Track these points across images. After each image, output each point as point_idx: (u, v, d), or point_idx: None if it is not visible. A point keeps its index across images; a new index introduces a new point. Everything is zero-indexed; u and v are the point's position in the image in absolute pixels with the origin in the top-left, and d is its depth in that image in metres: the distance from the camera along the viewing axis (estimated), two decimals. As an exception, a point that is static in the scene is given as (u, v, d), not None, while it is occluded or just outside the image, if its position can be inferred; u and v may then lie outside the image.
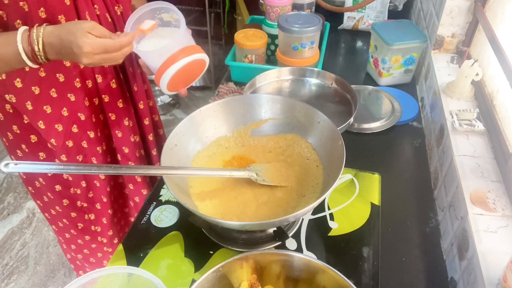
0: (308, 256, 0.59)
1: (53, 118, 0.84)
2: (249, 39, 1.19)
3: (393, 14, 1.52)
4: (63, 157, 0.89)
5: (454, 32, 1.08)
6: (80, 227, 1.04)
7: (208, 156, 0.82)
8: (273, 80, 1.08)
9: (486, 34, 0.91)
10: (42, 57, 0.67)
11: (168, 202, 0.84)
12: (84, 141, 0.91)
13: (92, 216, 1.03)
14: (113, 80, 0.89)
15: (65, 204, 0.98)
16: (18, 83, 0.78)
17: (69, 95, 0.83)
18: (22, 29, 0.67)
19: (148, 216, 0.81)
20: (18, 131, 0.85)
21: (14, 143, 0.88)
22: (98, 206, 1.02)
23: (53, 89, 0.81)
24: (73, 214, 1.01)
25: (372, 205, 0.83)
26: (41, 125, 0.84)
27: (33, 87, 0.79)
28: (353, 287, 0.53)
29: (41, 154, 0.89)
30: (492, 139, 0.83)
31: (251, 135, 0.85)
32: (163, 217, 0.81)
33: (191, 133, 0.79)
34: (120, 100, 0.93)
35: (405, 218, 0.84)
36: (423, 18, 1.29)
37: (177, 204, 0.84)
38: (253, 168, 0.76)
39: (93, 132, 0.91)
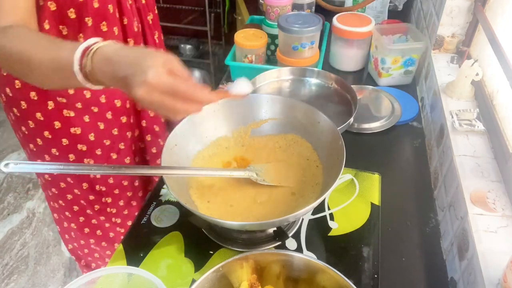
0: (308, 256, 0.59)
1: (90, 102, 0.87)
2: (249, 39, 1.19)
3: (393, 14, 1.52)
4: (91, 137, 0.91)
5: (454, 32, 1.08)
6: (96, 209, 1.06)
7: (208, 156, 0.82)
8: (273, 80, 1.08)
9: (486, 34, 0.91)
10: (88, 72, 0.56)
11: (168, 202, 0.84)
12: (116, 128, 0.93)
13: (109, 199, 1.05)
14: None
15: (85, 188, 1.00)
16: None
17: None
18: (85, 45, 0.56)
19: (148, 216, 0.81)
20: (42, 118, 0.86)
21: (36, 131, 0.88)
22: (116, 191, 1.04)
23: None
24: (91, 197, 1.03)
25: (372, 205, 0.83)
26: (78, 105, 0.86)
27: None
28: (353, 287, 0.53)
29: (64, 140, 0.89)
30: (492, 139, 0.83)
31: (251, 135, 0.85)
32: (163, 217, 0.81)
33: (191, 133, 0.79)
34: None
35: (405, 218, 0.84)
36: (423, 18, 1.29)
37: (177, 204, 0.84)
38: (253, 168, 0.76)
39: (125, 117, 0.94)
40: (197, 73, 2.85)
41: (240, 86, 0.63)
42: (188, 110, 0.55)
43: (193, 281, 0.67)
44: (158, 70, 0.51)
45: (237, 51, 1.22)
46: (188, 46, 2.84)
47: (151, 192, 0.88)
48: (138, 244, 0.76)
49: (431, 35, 1.15)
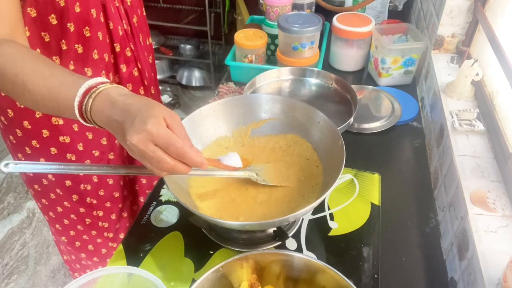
0: (308, 256, 0.59)
1: None
2: (249, 39, 1.19)
3: (393, 14, 1.52)
4: (80, 146, 0.89)
5: (454, 32, 1.08)
6: (87, 223, 1.05)
7: (208, 156, 0.81)
8: (273, 80, 1.08)
9: (486, 34, 0.91)
10: (89, 111, 0.56)
11: (168, 202, 0.84)
12: (104, 138, 0.92)
13: (101, 213, 1.03)
14: (135, 69, 0.91)
15: (75, 200, 0.98)
16: None
17: None
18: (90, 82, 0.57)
19: (148, 216, 0.81)
20: (29, 127, 0.84)
21: (23, 140, 0.87)
22: (108, 204, 1.02)
23: None
24: (82, 210, 1.01)
25: (372, 205, 0.83)
26: (60, 120, 0.84)
27: None
28: (353, 287, 0.53)
29: (52, 149, 0.88)
30: (492, 139, 0.83)
31: (251, 135, 0.85)
32: (163, 217, 0.81)
33: (191, 133, 0.78)
34: (142, 87, 0.95)
35: (405, 218, 0.84)
36: (423, 18, 1.29)
37: (177, 204, 0.84)
38: (253, 168, 0.76)
39: None
40: (197, 73, 2.85)
41: (232, 160, 0.70)
42: (175, 168, 0.55)
43: (193, 281, 0.67)
44: (159, 121, 0.52)
45: (237, 51, 1.22)
46: (188, 46, 2.84)
47: (151, 192, 0.88)
48: (138, 244, 0.76)
49: (431, 35, 1.15)
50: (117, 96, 0.55)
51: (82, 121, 0.58)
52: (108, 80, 0.59)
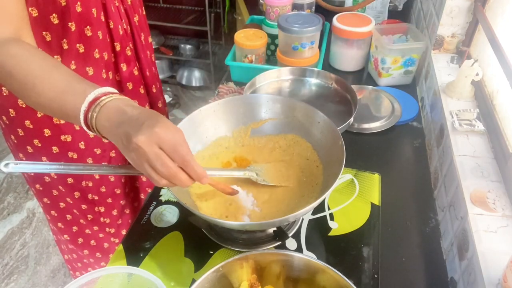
0: (308, 256, 0.59)
1: None
2: (249, 39, 1.19)
3: (393, 14, 1.52)
4: (81, 145, 0.89)
5: (454, 32, 1.08)
6: (89, 218, 1.05)
7: (208, 156, 0.82)
8: (273, 80, 1.08)
9: (486, 34, 0.91)
10: (94, 117, 0.56)
11: (168, 202, 0.84)
12: None
13: (102, 209, 1.04)
14: (135, 68, 0.91)
15: (77, 197, 0.99)
16: None
17: None
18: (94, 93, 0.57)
19: (148, 216, 0.81)
20: (31, 126, 0.84)
21: (25, 139, 0.87)
22: (109, 200, 1.03)
23: None
24: (84, 206, 1.02)
25: (372, 205, 0.83)
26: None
27: None
28: (353, 287, 0.53)
29: (54, 148, 0.88)
30: (492, 139, 0.83)
31: (251, 135, 0.85)
32: (163, 217, 0.81)
33: (191, 133, 0.79)
34: (142, 86, 0.95)
35: (405, 218, 0.84)
36: (423, 18, 1.29)
37: (177, 204, 0.84)
38: (253, 168, 0.76)
39: None
40: (197, 73, 2.85)
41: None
42: (176, 175, 0.55)
43: (193, 281, 0.67)
44: (167, 126, 0.53)
45: (237, 51, 1.22)
46: (188, 46, 2.84)
47: (151, 192, 0.88)
48: (138, 244, 0.76)
49: (431, 35, 1.15)
50: (125, 106, 0.56)
51: (85, 128, 0.58)
52: (116, 91, 0.59)
